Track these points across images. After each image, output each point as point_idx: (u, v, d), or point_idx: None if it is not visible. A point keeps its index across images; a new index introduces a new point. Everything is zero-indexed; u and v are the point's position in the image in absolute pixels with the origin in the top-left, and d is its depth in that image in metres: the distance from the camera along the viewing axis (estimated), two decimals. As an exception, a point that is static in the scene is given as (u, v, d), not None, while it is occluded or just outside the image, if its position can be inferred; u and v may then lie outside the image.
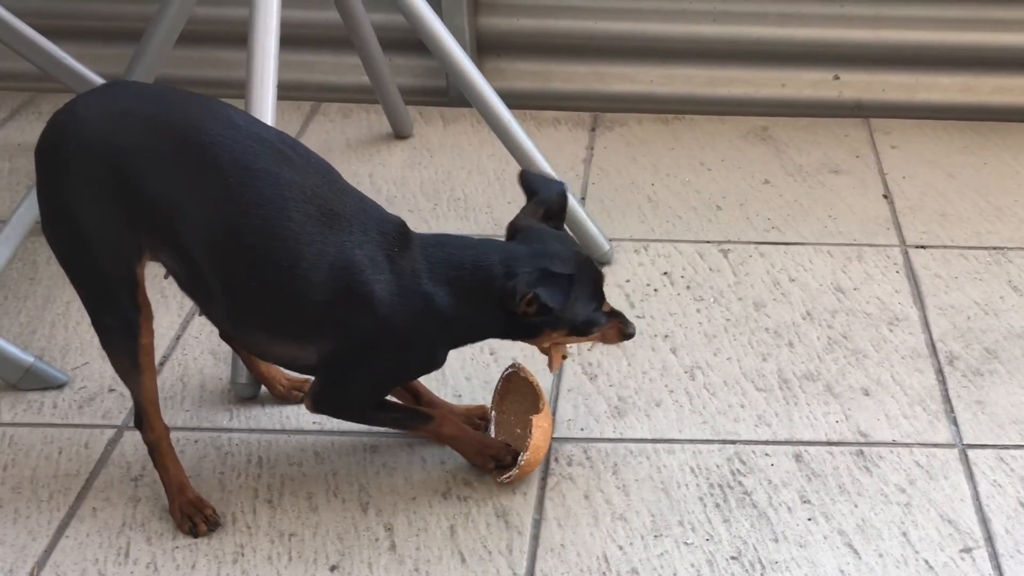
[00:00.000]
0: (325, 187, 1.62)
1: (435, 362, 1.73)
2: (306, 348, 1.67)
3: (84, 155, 1.57)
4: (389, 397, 1.78)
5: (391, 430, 1.85)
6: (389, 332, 1.63)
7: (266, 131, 1.63)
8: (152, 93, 1.70)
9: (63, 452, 1.86)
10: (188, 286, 1.67)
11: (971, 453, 1.89)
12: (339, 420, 1.82)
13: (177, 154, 1.57)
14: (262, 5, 2.05)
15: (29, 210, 2.10)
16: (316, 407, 1.72)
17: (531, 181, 1.76)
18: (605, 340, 1.75)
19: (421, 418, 1.79)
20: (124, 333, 1.65)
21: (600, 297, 1.72)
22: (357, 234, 1.61)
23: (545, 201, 1.74)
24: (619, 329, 1.74)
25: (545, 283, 1.62)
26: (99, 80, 2.45)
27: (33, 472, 1.82)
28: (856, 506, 1.78)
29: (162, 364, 2.04)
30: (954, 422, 1.96)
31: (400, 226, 1.67)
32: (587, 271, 1.71)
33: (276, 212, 1.57)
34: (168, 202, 1.58)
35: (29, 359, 1.96)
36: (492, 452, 1.81)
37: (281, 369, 1.94)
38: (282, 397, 1.95)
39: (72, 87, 2.45)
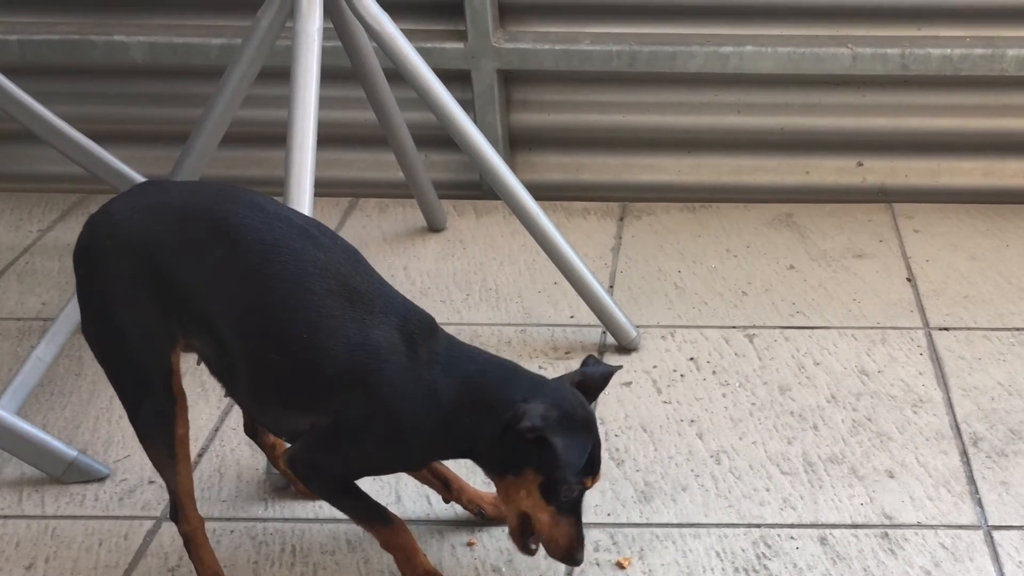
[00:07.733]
0: (349, 267, 1.66)
1: (416, 461, 1.73)
2: (318, 417, 1.66)
3: (119, 252, 1.65)
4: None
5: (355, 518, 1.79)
6: (388, 415, 1.63)
7: (293, 214, 1.69)
8: (182, 187, 1.77)
9: (103, 543, 1.91)
10: (216, 368, 1.71)
11: (996, 534, 1.90)
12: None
13: (206, 239, 1.63)
14: (300, 107, 2.14)
15: (76, 308, 2.16)
16: (292, 464, 1.69)
17: (589, 361, 1.78)
18: (550, 539, 1.67)
19: (382, 519, 1.73)
20: (160, 424, 1.69)
21: (588, 471, 1.66)
22: (378, 315, 1.64)
23: (587, 374, 1.73)
24: (570, 535, 1.66)
25: (564, 426, 1.61)
26: (144, 182, 2.53)
27: (74, 564, 1.87)
28: (881, 589, 1.80)
29: (200, 456, 2.09)
30: (979, 503, 1.97)
31: (427, 318, 1.69)
32: (594, 435, 1.67)
33: (298, 286, 1.61)
34: (199, 286, 1.63)
35: (73, 453, 2.02)
36: None
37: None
38: (303, 493, 1.98)
39: (119, 189, 2.51)
